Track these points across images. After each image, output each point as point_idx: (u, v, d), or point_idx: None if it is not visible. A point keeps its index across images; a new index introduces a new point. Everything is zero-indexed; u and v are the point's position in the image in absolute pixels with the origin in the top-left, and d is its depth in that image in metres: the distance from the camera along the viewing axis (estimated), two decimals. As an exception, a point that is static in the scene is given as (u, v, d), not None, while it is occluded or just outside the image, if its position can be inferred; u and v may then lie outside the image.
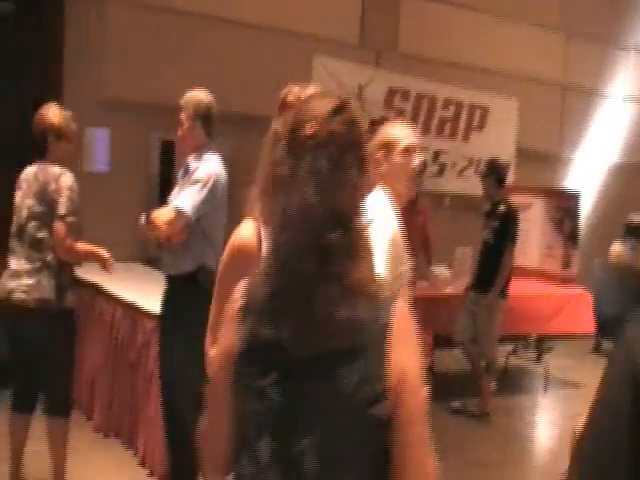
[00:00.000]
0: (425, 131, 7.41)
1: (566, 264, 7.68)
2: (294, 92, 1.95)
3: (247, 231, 1.92)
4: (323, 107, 1.34)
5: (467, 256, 6.26)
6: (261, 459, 1.34)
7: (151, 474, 3.99)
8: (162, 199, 3.88)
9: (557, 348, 7.28)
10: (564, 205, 7.62)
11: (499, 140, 7.89)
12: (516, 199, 6.07)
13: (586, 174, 8.81)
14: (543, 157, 8.40)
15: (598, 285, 6.99)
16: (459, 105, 7.63)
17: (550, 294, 6.71)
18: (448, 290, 6.11)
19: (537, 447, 5.52)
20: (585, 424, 1.25)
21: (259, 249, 1.90)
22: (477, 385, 5.74)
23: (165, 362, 3.45)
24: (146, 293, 4.37)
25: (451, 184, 7.76)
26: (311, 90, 1.91)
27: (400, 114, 7.07)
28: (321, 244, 1.29)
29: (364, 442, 1.30)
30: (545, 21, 8.19)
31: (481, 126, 7.82)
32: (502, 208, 5.57)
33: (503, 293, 5.57)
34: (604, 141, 8.85)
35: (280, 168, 1.33)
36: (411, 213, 4.91)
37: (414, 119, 7.25)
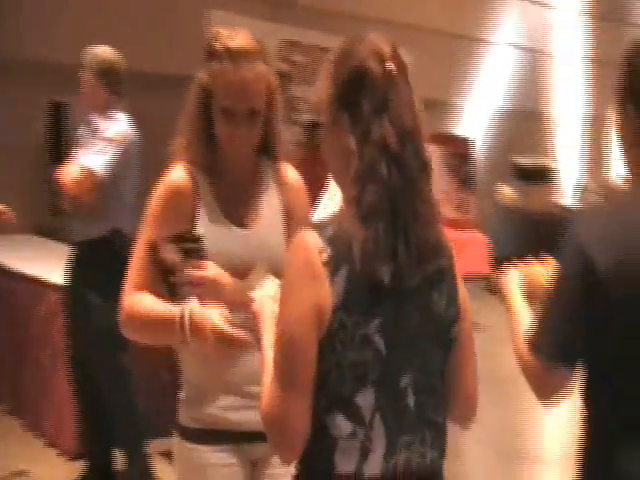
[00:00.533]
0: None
1: (462, 208, 7.95)
2: (223, 38, 1.84)
3: (180, 174, 1.84)
4: (388, 44, 1.40)
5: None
6: (363, 412, 1.34)
7: (62, 453, 3.85)
8: (53, 164, 3.68)
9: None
10: (459, 151, 7.84)
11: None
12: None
13: (477, 120, 9.05)
14: (435, 105, 8.55)
15: (491, 227, 7.27)
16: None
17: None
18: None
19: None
20: (539, 316, 1.52)
21: (195, 192, 1.84)
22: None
23: (78, 336, 3.32)
24: (45, 263, 4.18)
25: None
26: (243, 35, 1.84)
27: (295, 67, 7.03)
28: (412, 174, 1.36)
29: (443, 365, 1.41)
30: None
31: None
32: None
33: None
34: (493, 88, 9.10)
35: (356, 106, 1.34)
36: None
37: (310, 72, 7.20)
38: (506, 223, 7.16)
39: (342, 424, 1.34)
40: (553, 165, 8.29)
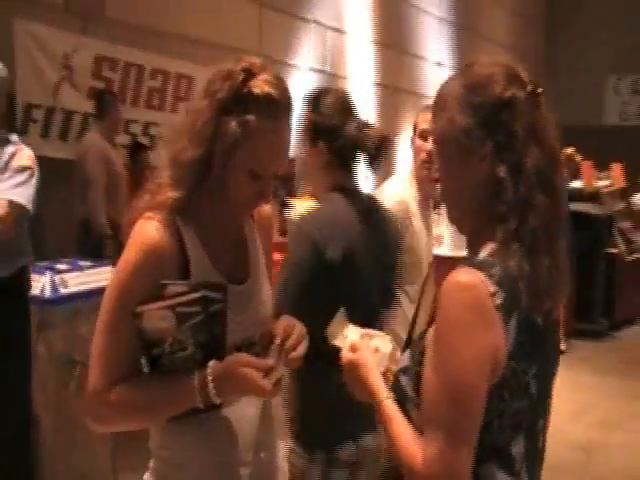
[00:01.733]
0: (134, 102, 7.06)
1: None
2: (262, 82, 1.57)
3: (157, 230, 1.55)
4: (518, 67, 1.40)
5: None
6: (516, 461, 1.28)
7: None
8: None
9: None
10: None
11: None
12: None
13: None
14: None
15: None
16: (166, 75, 7.38)
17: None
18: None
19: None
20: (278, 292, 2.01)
21: (181, 248, 1.57)
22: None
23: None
24: None
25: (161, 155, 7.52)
26: (279, 77, 1.62)
27: (109, 84, 6.63)
28: (563, 203, 1.36)
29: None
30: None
31: (187, 97, 7.66)
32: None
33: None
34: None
35: (506, 134, 1.31)
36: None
37: (123, 89, 6.85)
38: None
39: (498, 475, 1.29)
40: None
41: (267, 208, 1.86)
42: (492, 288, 1.26)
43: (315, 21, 9.56)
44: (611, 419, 5.86)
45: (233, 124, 1.52)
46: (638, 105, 15.84)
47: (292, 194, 8.16)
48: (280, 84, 1.60)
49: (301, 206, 6.38)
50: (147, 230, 1.57)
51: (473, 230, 1.40)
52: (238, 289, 1.65)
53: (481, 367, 1.24)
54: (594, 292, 8.76)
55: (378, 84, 10.78)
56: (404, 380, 1.37)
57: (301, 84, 9.25)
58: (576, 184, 8.95)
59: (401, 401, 1.38)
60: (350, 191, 2.27)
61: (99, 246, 5.53)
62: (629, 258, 9.27)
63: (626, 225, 9.65)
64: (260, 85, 1.55)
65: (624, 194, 9.94)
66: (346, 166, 2.27)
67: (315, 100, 2.21)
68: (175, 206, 1.58)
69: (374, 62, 10.64)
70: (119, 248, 1.65)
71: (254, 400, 1.70)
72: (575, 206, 7.79)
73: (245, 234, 1.77)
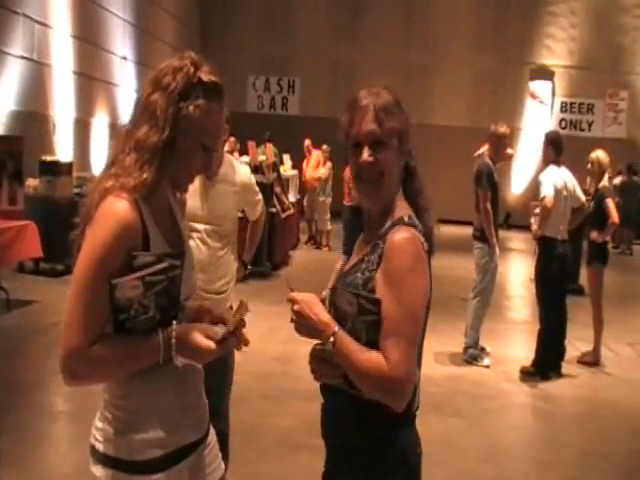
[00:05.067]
0: None
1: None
2: (205, 72, 1.84)
3: (127, 209, 1.73)
4: None
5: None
6: (420, 360, 1.88)
7: None
8: None
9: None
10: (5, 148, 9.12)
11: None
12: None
13: None
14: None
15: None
16: None
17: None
18: None
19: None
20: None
21: (142, 225, 1.76)
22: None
23: None
24: None
25: None
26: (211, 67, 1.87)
27: None
28: None
29: None
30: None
31: None
32: None
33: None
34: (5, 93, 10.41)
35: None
36: None
37: None
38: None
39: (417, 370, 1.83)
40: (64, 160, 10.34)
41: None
42: (422, 239, 1.78)
43: (24, 14, 10.80)
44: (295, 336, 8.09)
45: (191, 108, 1.76)
46: (269, 99, 19.98)
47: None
48: (217, 73, 1.85)
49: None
50: (119, 208, 1.72)
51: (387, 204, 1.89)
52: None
53: (425, 296, 1.77)
54: (260, 243, 11.35)
55: (77, 73, 12.36)
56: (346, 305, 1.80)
57: (10, 70, 10.46)
58: (244, 159, 11.63)
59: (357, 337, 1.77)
60: None
61: None
62: (282, 215, 12.16)
63: (278, 190, 12.58)
64: (206, 74, 1.81)
65: (274, 167, 12.91)
66: None
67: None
68: (146, 186, 1.75)
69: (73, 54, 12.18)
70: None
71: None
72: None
73: (172, 206, 1.95)
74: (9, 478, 3.92)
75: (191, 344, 1.76)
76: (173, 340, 1.74)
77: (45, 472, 4.14)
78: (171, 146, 1.77)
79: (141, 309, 1.73)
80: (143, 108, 1.80)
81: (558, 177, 6.47)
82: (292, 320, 1.81)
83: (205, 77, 1.80)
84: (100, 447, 1.83)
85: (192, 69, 1.80)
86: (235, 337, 1.81)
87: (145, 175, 1.76)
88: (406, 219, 1.83)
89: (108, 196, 1.75)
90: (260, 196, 3.91)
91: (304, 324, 1.79)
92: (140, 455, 1.79)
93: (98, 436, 1.85)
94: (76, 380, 1.76)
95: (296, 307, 1.79)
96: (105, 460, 1.82)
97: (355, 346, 1.72)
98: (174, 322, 1.77)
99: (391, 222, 1.83)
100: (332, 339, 1.73)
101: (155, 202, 1.81)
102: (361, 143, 1.85)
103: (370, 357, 1.69)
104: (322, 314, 1.77)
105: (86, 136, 12.78)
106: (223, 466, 2.10)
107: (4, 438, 4.38)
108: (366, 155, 1.83)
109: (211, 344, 1.76)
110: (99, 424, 1.86)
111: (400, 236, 1.75)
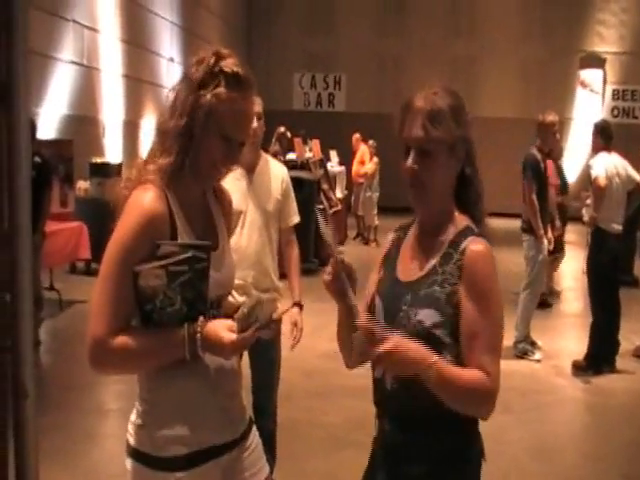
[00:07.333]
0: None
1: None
2: (229, 62, 1.82)
3: (154, 199, 1.76)
4: None
5: None
6: None
7: None
8: None
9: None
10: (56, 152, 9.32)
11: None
12: None
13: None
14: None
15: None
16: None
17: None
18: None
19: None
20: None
21: (171, 218, 1.79)
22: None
23: None
24: None
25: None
26: (238, 59, 1.86)
27: None
28: None
29: None
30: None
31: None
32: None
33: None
34: (63, 97, 10.69)
35: None
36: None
37: None
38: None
39: None
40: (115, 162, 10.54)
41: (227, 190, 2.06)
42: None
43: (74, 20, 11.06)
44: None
45: (208, 96, 1.75)
46: (315, 96, 19.95)
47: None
48: (244, 66, 1.83)
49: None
50: (146, 198, 1.75)
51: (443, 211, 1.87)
52: (214, 253, 1.82)
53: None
54: (307, 239, 11.50)
55: (126, 76, 12.60)
56: (440, 333, 1.75)
57: (62, 74, 10.73)
58: (291, 156, 11.71)
59: (439, 352, 1.72)
60: None
61: None
62: (330, 212, 12.24)
63: (325, 187, 12.66)
64: (229, 65, 1.79)
65: (321, 163, 12.99)
66: None
67: None
68: (168, 170, 1.77)
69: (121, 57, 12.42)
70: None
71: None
72: (292, 173, 10.34)
73: (209, 205, 1.95)
74: (61, 475, 4.03)
75: (215, 339, 1.74)
76: (198, 335, 1.73)
77: (94, 469, 4.24)
78: (189, 133, 1.77)
79: (167, 300, 1.73)
80: (170, 99, 1.84)
81: (609, 162, 6.34)
82: (378, 360, 1.69)
83: (227, 68, 1.79)
84: (131, 440, 1.86)
85: (213, 59, 1.80)
86: (269, 329, 1.77)
87: (164, 160, 1.79)
88: (475, 229, 1.85)
89: (132, 189, 1.79)
90: (295, 204, 3.74)
91: (398, 360, 1.66)
92: (163, 451, 1.79)
93: (130, 429, 1.88)
94: (100, 368, 1.78)
95: (387, 346, 1.65)
96: (133, 453, 1.85)
97: (456, 369, 1.71)
98: (201, 318, 1.75)
99: (457, 230, 1.84)
100: (435, 368, 1.67)
101: (185, 196, 1.83)
102: (409, 147, 1.82)
103: (472, 376, 1.71)
104: (414, 344, 1.69)
105: (135, 138, 13.01)
106: (268, 468, 2.07)
107: (56, 435, 4.49)
108: (410, 162, 1.81)
109: (233, 336, 1.73)
110: (132, 417, 1.89)
111: (480, 248, 1.78)
